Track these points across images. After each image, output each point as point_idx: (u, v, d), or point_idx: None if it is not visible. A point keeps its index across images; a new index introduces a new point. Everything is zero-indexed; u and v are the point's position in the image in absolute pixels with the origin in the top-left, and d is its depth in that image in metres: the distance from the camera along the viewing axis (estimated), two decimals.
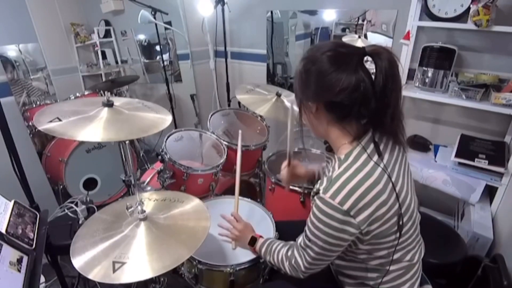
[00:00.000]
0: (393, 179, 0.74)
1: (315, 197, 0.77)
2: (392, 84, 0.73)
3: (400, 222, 0.75)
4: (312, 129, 0.86)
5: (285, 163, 1.19)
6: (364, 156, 0.75)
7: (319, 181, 0.80)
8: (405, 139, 0.83)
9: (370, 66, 0.76)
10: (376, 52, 0.73)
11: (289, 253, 0.91)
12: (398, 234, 0.76)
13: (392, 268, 0.81)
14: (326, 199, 0.72)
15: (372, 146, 0.77)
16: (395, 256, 0.80)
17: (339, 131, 0.81)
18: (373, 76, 0.74)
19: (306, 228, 0.80)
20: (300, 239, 0.86)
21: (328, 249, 0.78)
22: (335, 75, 0.73)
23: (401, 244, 0.79)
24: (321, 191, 0.74)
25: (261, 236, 1.09)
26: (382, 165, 0.75)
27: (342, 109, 0.77)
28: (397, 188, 0.74)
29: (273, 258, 0.97)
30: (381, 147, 0.78)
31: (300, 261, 0.86)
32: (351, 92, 0.73)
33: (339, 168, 0.76)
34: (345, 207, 0.70)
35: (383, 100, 0.73)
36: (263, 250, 1.02)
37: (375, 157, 0.76)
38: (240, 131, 1.60)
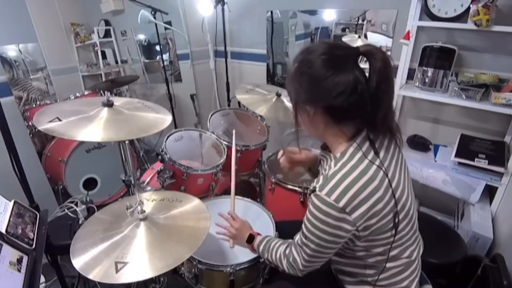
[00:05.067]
0: (389, 176, 0.75)
1: (311, 195, 0.77)
2: (386, 85, 0.73)
3: (396, 220, 0.75)
4: (308, 130, 0.86)
5: (280, 153, 1.18)
6: (359, 154, 0.76)
7: (315, 179, 0.81)
8: (401, 137, 0.83)
9: (363, 65, 0.75)
10: (371, 53, 0.73)
11: (287, 251, 0.91)
12: (394, 231, 0.77)
13: (389, 265, 0.81)
14: (322, 196, 0.73)
15: (367, 144, 0.78)
16: (393, 253, 0.80)
17: (336, 132, 0.81)
18: (367, 76, 0.74)
19: (303, 225, 0.81)
20: (297, 237, 0.86)
21: (324, 246, 0.78)
22: (332, 79, 0.73)
23: (398, 241, 0.79)
24: (317, 189, 0.75)
25: (258, 234, 1.09)
26: (377, 162, 0.75)
27: (340, 112, 0.76)
28: (393, 185, 0.75)
29: (271, 256, 0.97)
30: (377, 144, 0.79)
31: (297, 259, 0.86)
32: (349, 95, 0.72)
33: (335, 166, 0.77)
34: (341, 204, 0.70)
35: (376, 101, 0.73)
36: (261, 247, 1.03)
37: (371, 155, 0.76)
38: (234, 131, 1.61)
